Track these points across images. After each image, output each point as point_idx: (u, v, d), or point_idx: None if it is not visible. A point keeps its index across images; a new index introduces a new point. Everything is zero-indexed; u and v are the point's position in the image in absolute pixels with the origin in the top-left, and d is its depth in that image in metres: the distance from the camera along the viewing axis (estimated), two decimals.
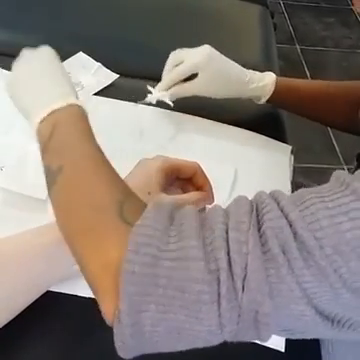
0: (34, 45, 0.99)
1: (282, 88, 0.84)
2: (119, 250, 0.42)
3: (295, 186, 0.81)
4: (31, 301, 0.58)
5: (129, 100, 0.88)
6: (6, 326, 0.55)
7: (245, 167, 0.78)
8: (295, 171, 0.87)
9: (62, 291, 0.61)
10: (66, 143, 0.53)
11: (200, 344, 0.44)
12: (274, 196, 0.44)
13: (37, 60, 0.63)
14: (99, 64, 0.95)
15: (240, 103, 0.88)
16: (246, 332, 0.42)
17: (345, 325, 0.42)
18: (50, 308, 0.59)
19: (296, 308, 0.40)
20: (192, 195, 0.66)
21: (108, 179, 0.50)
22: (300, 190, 0.45)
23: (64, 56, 0.94)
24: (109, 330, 0.57)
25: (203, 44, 0.81)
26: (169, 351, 0.44)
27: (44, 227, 0.61)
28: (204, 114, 0.87)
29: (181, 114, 0.87)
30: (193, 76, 0.80)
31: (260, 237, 0.41)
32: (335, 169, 0.46)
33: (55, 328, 0.59)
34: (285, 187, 0.78)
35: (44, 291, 0.59)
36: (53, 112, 0.54)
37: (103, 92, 0.90)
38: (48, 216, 0.67)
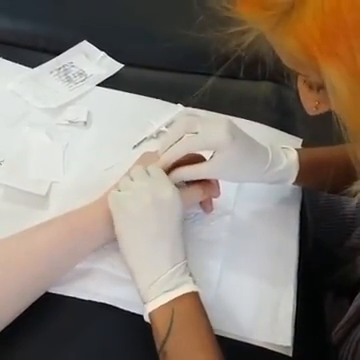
0: (37, 33, 0.97)
1: (307, 164, 0.67)
2: None
3: None
4: (32, 301, 0.57)
5: (134, 91, 0.86)
6: None
7: None
8: None
9: (59, 293, 0.59)
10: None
11: None
12: None
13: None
14: (103, 53, 0.93)
15: (245, 93, 0.85)
16: None
17: None
18: (45, 309, 0.58)
19: None
20: (197, 187, 0.65)
21: None
22: None
23: (67, 44, 0.92)
24: (96, 332, 0.56)
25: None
26: None
27: (44, 225, 0.59)
28: (210, 106, 0.84)
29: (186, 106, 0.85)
30: None
31: None
32: None
33: (48, 329, 0.58)
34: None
35: (44, 291, 0.58)
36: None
37: (107, 82, 0.88)
38: (49, 212, 0.66)
